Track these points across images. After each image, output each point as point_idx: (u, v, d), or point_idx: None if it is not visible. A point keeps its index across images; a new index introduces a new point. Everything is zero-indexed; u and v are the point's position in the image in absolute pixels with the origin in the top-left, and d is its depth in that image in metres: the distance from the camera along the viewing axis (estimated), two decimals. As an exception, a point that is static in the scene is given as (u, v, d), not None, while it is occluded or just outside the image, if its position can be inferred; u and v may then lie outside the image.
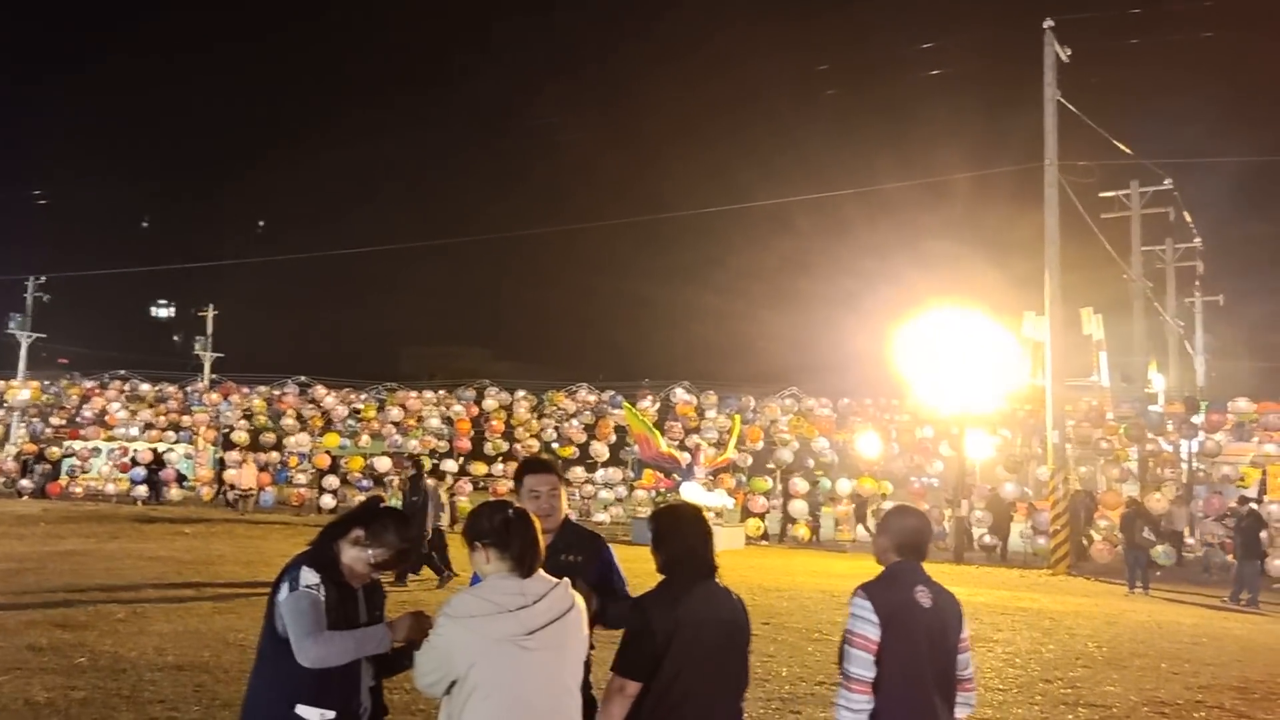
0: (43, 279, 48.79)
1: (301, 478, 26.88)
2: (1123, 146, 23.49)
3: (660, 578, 3.55)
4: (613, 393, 27.33)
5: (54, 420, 30.15)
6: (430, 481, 14.88)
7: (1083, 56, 21.97)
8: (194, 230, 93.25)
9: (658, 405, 26.67)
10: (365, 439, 28.17)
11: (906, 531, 3.75)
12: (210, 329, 51.36)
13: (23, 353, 46.99)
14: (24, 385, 31.56)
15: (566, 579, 3.30)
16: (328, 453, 27.83)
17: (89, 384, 30.42)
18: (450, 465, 25.79)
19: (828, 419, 24.87)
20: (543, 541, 3.27)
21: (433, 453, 27.03)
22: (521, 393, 27.73)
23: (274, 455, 27.97)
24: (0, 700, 6.80)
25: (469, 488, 25.98)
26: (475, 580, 3.48)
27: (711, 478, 22.88)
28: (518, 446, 26.85)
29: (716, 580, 3.56)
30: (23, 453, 29.46)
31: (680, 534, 3.57)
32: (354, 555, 3.48)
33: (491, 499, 3.77)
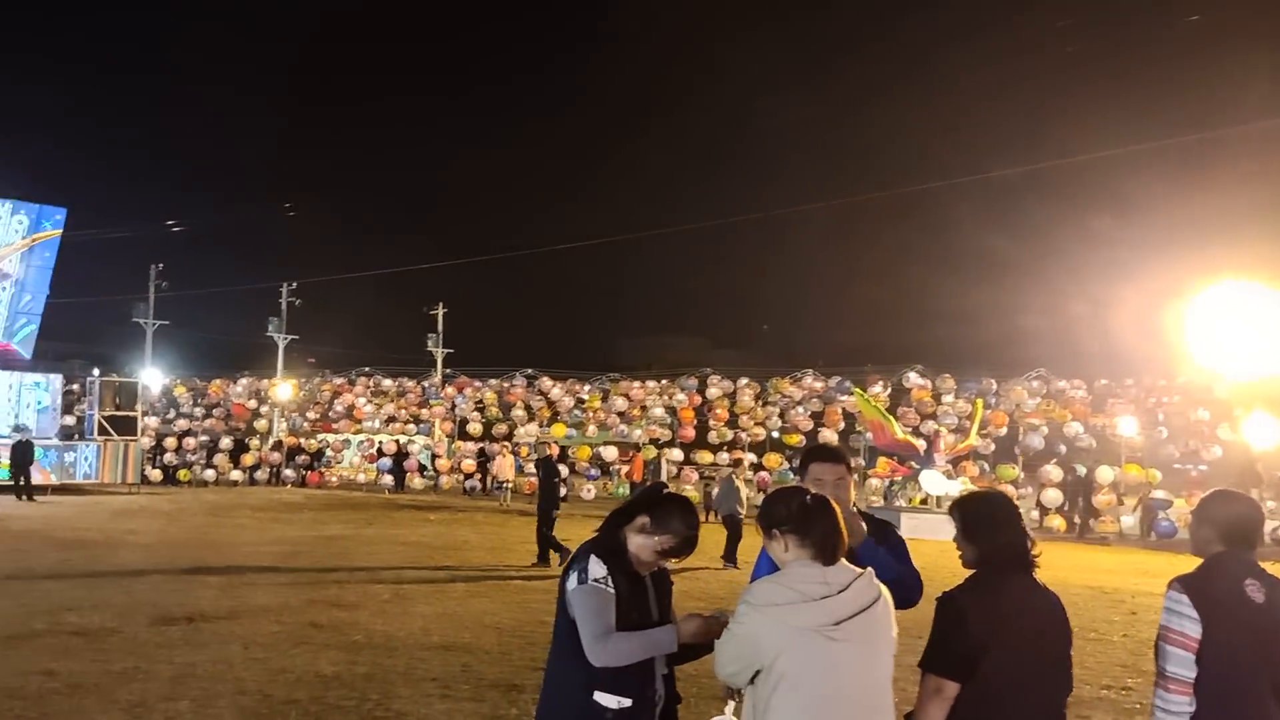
0: (294, 284, 53.54)
1: (532, 467, 28.07)
2: None
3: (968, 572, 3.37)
4: (839, 378, 26.85)
5: (310, 414, 33.04)
6: (725, 470, 15.35)
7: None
8: (423, 233, 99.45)
9: (889, 390, 25.95)
10: (591, 429, 29.08)
11: (1234, 519, 3.40)
12: (440, 326, 54.57)
13: (280, 353, 51.80)
14: (284, 383, 34.75)
15: (870, 569, 3.20)
16: (555, 442, 28.92)
17: (338, 381, 33.12)
18: (676, 454, 26.17)
19: (1082, 401, 23.34)
20: (845, 528, 3.18)
21: (655, 441, 27.56)
22: (745, 380, 27.75)
23: (499, 446, 29.38)
24: (295, 672, 7.47)
25: (695, 476, 26.26)
26: (761, 568, 3.44)
27: (952, 466, 22.00)
28: (742, 435, 26.92)
29: (1034, 574, 3.35)
30: (284, 445, 32.50)
31: (994, 523, 3.37)
32: (640, 543, 3.50)
33: (787, 485, 3.68)
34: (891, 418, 21.93)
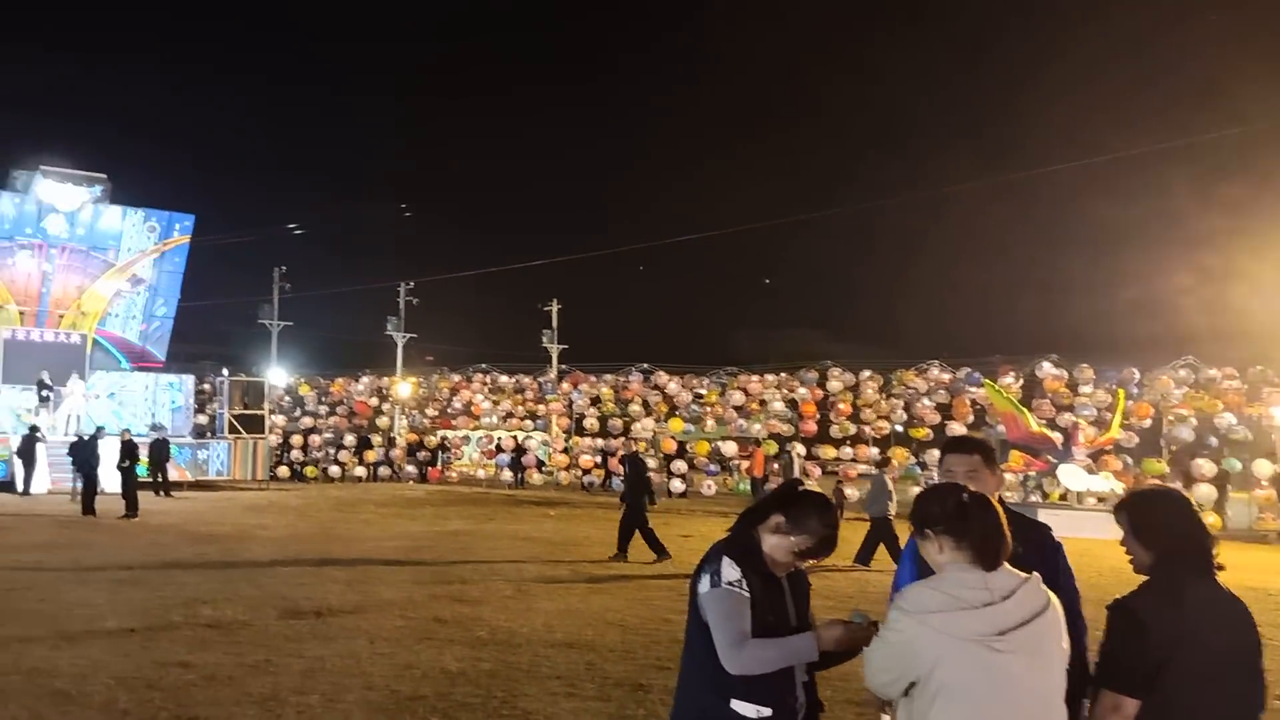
0: (411, 284, 54.99)
1: (650, 463, 28.07)
2: None
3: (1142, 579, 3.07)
4: (968, 370, 25.98)
5: (429, 411, 33.84)
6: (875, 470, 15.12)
7: None
8: (535, 232, 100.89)
9: (1020, 382, 24.98)
10: (710, 423, 28.92)
11: None
12: (555, 322, 55.27)
13: (399, 351, 53.23)
14: (404, 381, 35.68)
15: (1036, 574, 2.93)
16: (673, 438, 28.91)
17: (456, 378, 33.82)
18: (799, 449, 25.79)
19: (1235, 391, 21.99)
20: (1008, 529, 2.92)
21: (775, 436, 27.22)
22: (867, 372, 27.14)
23: (619, 442, 29.49)
24: (421, 668, 7.54)
25: (818, 471, 25.83)
26: (904, 571, 3.20)
27: (1092, 460, 21.03)
28: (865, 429, 26.34)
29: (1217, 579, 3.04)
30: (405, 441, 33.37)
31: (1172, 523, 3.07)
32: (775, 543, 3.32)
33: (943, 481, 3.43)
34: (1025, 410, 21.10)
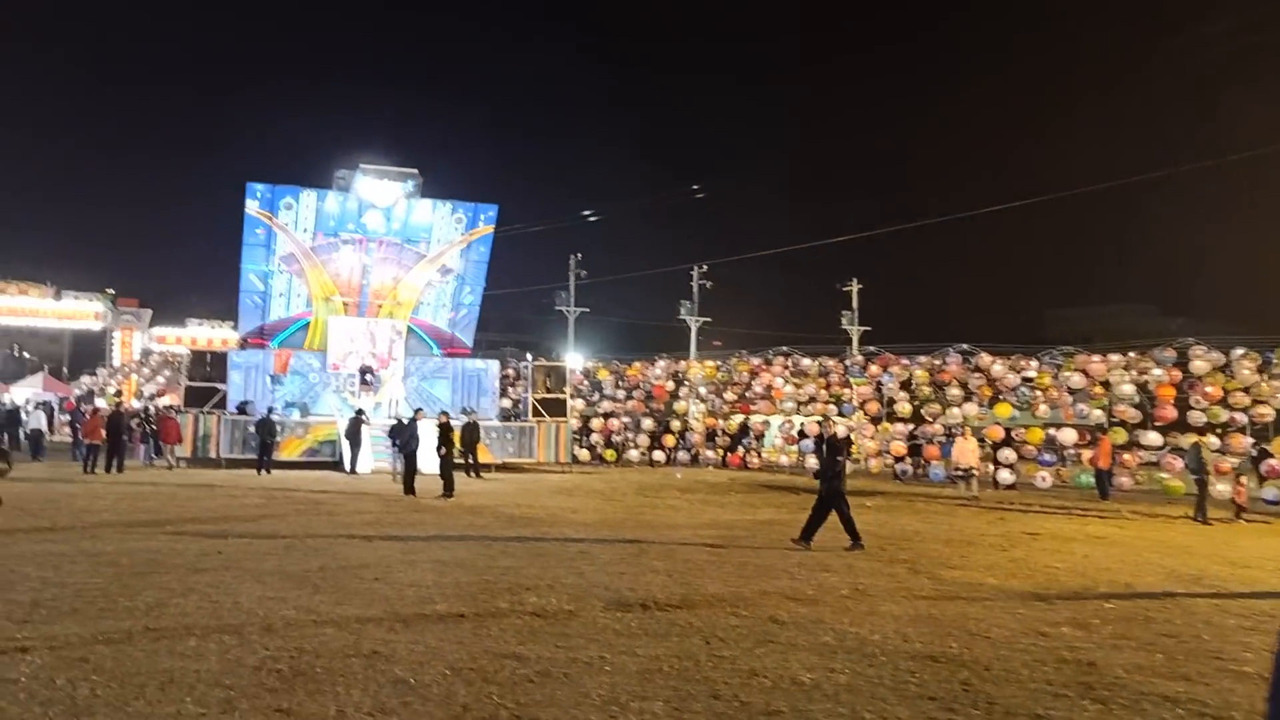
0: (704, 267, 55.36)
1: (973, 451, 26.12)
2: None
3: None
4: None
5: (727, 395, 33.48)
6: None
7: None
8: (834, 211, 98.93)
9: None
10: (1042, 408, 26.50)
11: None
12: (855, 302, 53.70)
13: (693, 335, 53.76)
14: (701, 364, 35.63)
15: None
16: (998, 424, 26.78)
17: (755, 360, 33.26)
18: (1153, 437, 23.04)
19: None
20: None
21: (1120, 423, 24.45)
22: (1240, 350, 23.76)
23: (936, 428, 27.68)
24: (768, 676, 6.81)
25: (1177, 464, 22.91)
26: None
27: None
28: (1237, 415, 23.06)
29: None
30: (705, 426, 33.27)
31: None
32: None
33: None
34: None
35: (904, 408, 28.50)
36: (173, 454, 26.47)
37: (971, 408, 26.89)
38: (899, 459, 28.00)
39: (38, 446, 28.68)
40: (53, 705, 5.74)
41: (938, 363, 28.72)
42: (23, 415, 31.60)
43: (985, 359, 27.67)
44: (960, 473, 23.29)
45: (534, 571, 10.77)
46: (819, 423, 18.27)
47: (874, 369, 30.04)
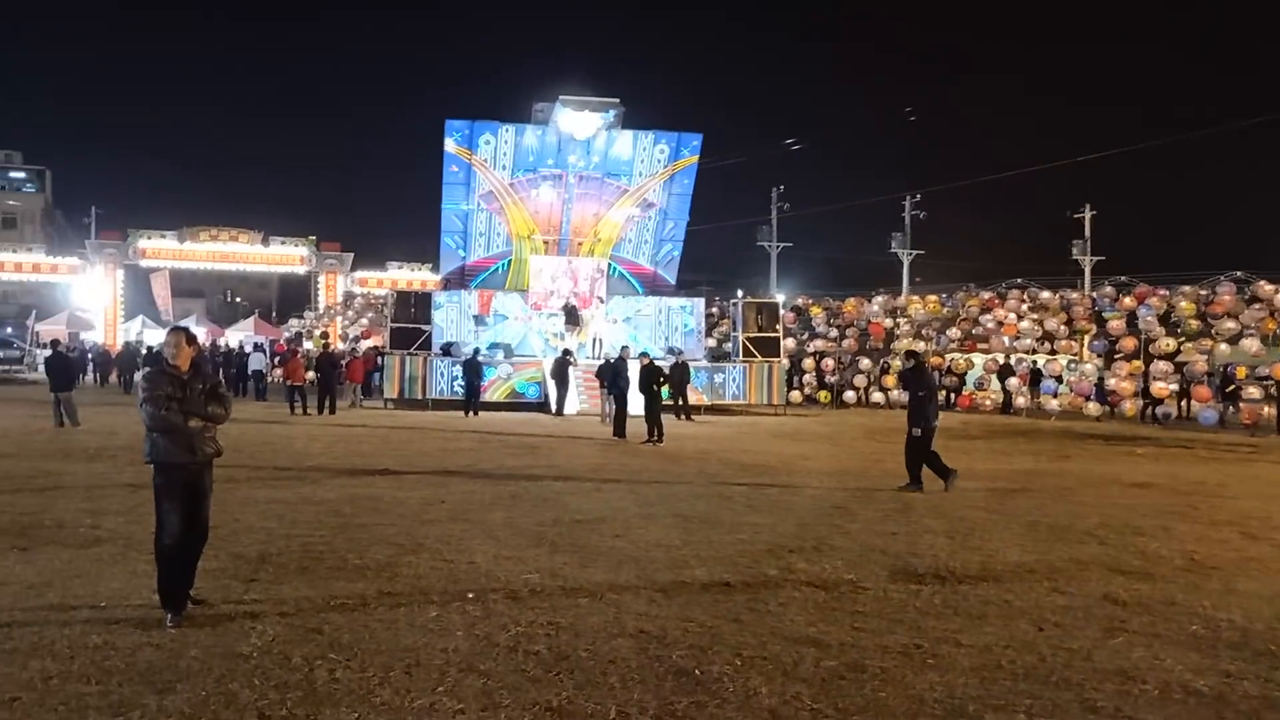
0: (917, 196, 52.44)
1: (1254, 391, 23.19)
2: None
3: None
4: None
5: (951, 333, 31.17)
6: None
7: None
8: (1059, 126, 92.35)
9: None
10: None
11: None
12: (1088, 230, 49.70)
13: (905, 269, 51.16)
14: (923, 301, 33.39)
15: None
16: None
17: (986, 295, 30.80)
18: None
19: None
20: None
21: None
22: None
23: (1201, 365, 24.71)
24: (1146, 681, 5.35)
25: None
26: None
27: None
28: None
29: None
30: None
31: None
32: None
33: None
34: None
35: (1167, 343, 25.50)
36: (356, 393, 26.96)
37: (1254, 342, 23.78)
38: (1159, 401, 25.23)
39: (261, 387, 29.95)
40: (290, 690, 4.97)
41: (1205, 294, 25.60)
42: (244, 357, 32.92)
43: (1266, 288, 24.41)
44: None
45: (790, 530, 9.57)
46: (908, 353, 13.34)
47: (1127, 301, 27.09)
